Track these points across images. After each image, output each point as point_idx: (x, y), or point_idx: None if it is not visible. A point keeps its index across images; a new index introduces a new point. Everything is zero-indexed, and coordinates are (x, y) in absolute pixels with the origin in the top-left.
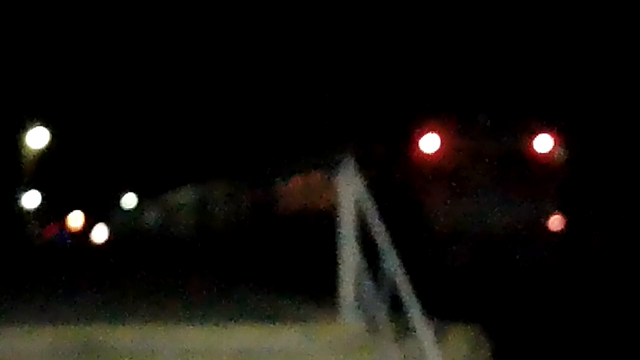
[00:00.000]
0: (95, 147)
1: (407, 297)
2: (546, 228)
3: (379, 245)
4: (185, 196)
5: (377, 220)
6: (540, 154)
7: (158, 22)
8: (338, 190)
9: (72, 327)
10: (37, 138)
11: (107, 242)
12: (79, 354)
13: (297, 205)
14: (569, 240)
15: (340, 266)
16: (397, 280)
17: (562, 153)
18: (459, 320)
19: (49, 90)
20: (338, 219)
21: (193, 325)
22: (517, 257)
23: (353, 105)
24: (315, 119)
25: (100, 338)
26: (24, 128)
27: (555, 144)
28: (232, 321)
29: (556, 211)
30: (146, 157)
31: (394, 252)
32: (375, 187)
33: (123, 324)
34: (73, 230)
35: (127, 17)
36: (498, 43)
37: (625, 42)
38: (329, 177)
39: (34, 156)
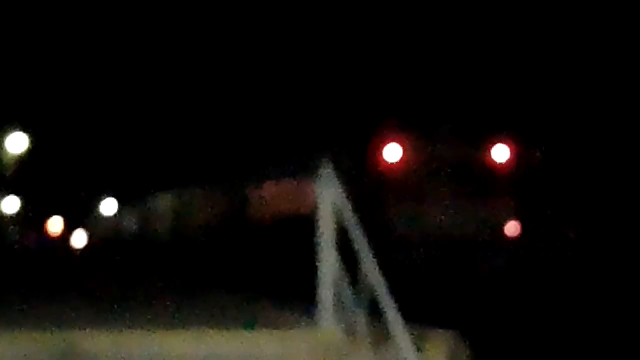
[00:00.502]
0: (74, 152)
1: (386, 303)
2: (503, 233)
3: (357, 251)
4: (164, 202)
5: (355, 226)
6: (498, 163)
7: (135, 29)
8: (316, 196)
9: (51, 332)
10: (15, 143)
11: (86, 247)
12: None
13: (275, 211)
14: (524, 245)
15: (318, 272)
16: (376, 285)
17: (520, 161)
18: (437, 325)
19: (28, 95)
20: (316, 224)
21: (171, 331)
22: (476, 261)
23: (321, 114)
24: (293, 126)
25: (79, 344)
26: (2, 133)
27: (512, 153)
28: (210, 327)
29: (512, 217)
30: (125, 163)
31: (373, 257)
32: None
33: (102, 330)
34: (52, 236)
35: (106, 23)
36: (457, 56)
37: (583, 55)
38: (307, 183)
39: (12, 161)
